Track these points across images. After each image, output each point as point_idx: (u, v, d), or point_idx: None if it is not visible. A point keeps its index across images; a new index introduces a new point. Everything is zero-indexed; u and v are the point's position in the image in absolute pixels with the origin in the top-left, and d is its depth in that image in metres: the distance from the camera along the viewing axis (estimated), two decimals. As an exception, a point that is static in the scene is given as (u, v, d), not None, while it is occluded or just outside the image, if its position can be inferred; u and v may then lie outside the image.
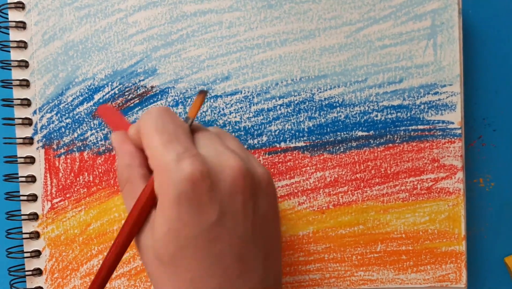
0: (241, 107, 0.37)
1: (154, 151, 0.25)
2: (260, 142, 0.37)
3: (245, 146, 0.37)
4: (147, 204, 0.25)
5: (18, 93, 0.37)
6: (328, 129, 0.37)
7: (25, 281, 0.38)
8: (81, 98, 0.37)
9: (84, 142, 0.37)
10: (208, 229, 0.24)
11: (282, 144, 0.37)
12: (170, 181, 0.23)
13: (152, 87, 0.37)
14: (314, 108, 0.37)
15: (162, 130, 0.25)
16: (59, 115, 0.37)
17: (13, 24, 0.37)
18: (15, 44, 0.37)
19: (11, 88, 0.37)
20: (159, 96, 0.37)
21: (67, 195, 0.37)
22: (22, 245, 0.38)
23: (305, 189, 0.37)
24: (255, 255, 0.25)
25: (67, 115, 0.37)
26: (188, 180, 0.23)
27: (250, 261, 0.25)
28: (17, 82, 0.37)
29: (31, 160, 0.37)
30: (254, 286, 0.25)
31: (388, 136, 0.37)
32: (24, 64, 0.37)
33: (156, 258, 0.24)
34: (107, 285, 0.37)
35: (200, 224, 0.24)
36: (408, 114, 0.37)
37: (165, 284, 0.24)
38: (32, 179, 0.37)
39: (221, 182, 0.24)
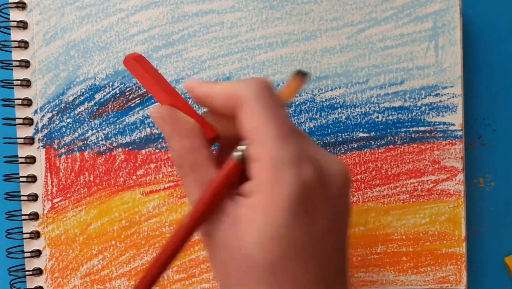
0: (242, 108, 0.37)
1: (266, 140, 0.21)
2: (261, 142, 0.37)
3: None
4: (222, 194, 0.22)
5: (19, 93, 0.37)
6: (329, 130, 0.37)
7: (25, 281, 0.38)
8: (82, 97, 0.37)
9: (85, 142, 0.37)
10: (318, 238, 0.21)
11: (283, 145, 0.37)
12: (285, 182, 0.21)
13: (153, 87, 0.37)
14: (315, 109, 0.37)
15: (277, 117, 0.21)
16: (60, 114, 0.37)
17: (15, 23, 0.37)
18: (16, 44, 0.37)
19: (12, 88, 0.37)
20: (160, 96, 0.37)
21: (68, 195, 0.37)
22: (23, 245, 0.38)
23: (305, 190, 0.37)
24: (346, 267, 0.24)
25: (68, 114, 0.37)
26: (307, 185, 0.21)
27: (346, 273, 0.23)
28: (18, 82, 0.37)
29: (31, 159, 0.37)
30: None
31: (389, 137, 0.37)
32: (25, 64, 0.37)
33: (242, 260, 0.21)
34: (107, 285, 0.37)
35: (311, 233, 0.21)
36: (409, 116, 0.37)
37: None
38: (32, 178, 0.37)
39: (331, 186, 0.22)
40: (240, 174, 0.22)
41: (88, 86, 0.37)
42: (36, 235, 0.37)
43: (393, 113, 0.37)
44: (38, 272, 0.37)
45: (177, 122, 0.23)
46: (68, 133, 0.37)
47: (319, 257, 0.22)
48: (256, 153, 0.21)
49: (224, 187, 0.22)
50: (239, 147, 0.22)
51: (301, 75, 0.24)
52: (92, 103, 0.37)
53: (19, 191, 0.37)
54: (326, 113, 0.37)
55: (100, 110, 0.37)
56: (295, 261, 0.21)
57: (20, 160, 0.37)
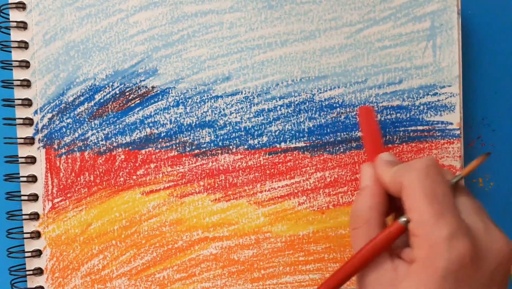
0: (241, 108, 0.37)
1: (422, 220, 0.24)
2: (260, 142, 0.37)
3: (246, 146, 0.37)
4: (383, 248, 0.26)
5: (19, 93, 0.37)
6: (328, 130, 0.37)
7: (26, 281, 0.38)
8: (82, 98, 0.37)
9: (85, 142, 0.37)
10: None
11: (283, 145, 0.37)
12: (439, 257, 0.23)
13: (153, 87, 0.37)
14: (314, 108, 0.37)
15: (432, 196, 0.24)
16: (60, 115, 0.37)
17: (14, 24, 0.37)
18: (16, 44, 0.37)
19: (12, 88, 0.37)
20: (160, 97, 0.37)
21: (68, 195, 0.38)
22: (23, 245, 0.38)
23: (305, 189, 0.37)
24: None
25: (68, 115, 0.37)
26: (459, 260, 0.23)
27: None
28: (18, 82, 0.37)
29: (32, 160, 0.37)
30: None
31: (387, 136, 0.37)
32: (25, 64, 0.37)
33: None
34: (108, 284, 0.38)
35: None
36: (408, 115, 0.37)
37: None
38: (33, 179, 0.37)
39: (485, 265, 0.24)
40: (399, 236, 0.26)
41: (88, 87, 0.37)
42: (36, 235, 0.38)
43: (391, 112, 0.37)
44: (38, 272, 0.38)
45: (374, 185, 0.28)
46: (68, 133, 0.37)
47: None
48: (414, 229, 0.25)
49: (386, 243, 0.26)
50: (404, 216, 0.26)
51: (486, 155, 0.27)
52: (92, 103, 0.37)
53: (20, 191, 0.37)
54: (325, 112, 0.37)
55: (100, 110, 0.37)
56: None
57: (21, 160, 0.37)
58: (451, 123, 0.37)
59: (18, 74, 0.37)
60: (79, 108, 0.37)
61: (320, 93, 0.37)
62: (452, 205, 0.25)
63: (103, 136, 0.37)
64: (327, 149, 0.37)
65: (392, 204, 0.28)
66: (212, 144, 0.37)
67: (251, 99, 0.37)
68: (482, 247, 0.24)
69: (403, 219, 0.26)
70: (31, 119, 0.37)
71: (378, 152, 0.30)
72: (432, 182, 0.25)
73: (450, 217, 0.24)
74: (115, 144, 0.37)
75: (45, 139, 0.37)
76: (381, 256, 0.26)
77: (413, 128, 0.37)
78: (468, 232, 0.24)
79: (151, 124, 0.37)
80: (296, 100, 0.37)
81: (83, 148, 0.37)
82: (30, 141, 0.37)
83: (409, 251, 0.26)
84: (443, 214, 0.24)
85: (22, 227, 0.38)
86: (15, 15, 0.37)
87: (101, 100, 0.37)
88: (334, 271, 0.27)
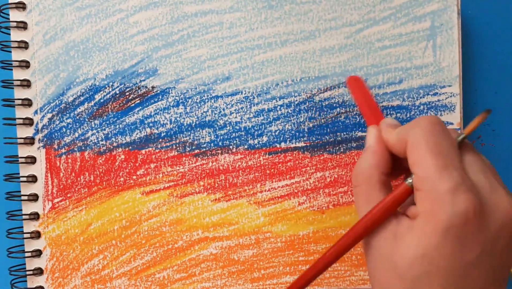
0: (241, 108, 0.37)
1: (426, 174, 0.24)
2: (260, 142, 0.37)
3: (246, 146, 0.37)
4: (388, 213, 0.26)
5: (19, 93, 0.37)
6: (328, 130, 0.37)
7: (26, 281, 0.38)
8: (82, 98, 0.37)
9: (85, 142, 0.37)
10: (463, 267, 0.23)
11: (282, 144, 0.37)
12: (441, 210, 0.23)
13: (153, 87, 0.37)
14: (314, 108, 0.37)
15: (436, 150, 0.24)
16: (60, 115, 0.37)
17: (14, 24, 0.37)
18: (16, 44, 0.37)
19: (12, 88, 0.37)
20: (160, 97, 0.37)
21: (68, 195, 0.38)
22: (23, 245, 0.38)
23: (305, 189, 0.37)
24: None
25: (68, 115, 0.37)
26: (461, 215, 0.23)
27: None
28: (18, 82, 0.37)
29: (32, 160, 0.37)
30: None
31: (387, 136, 0.37)
32: (25, 64, 0.37)
33: (393, 270, 0.25)
34: (108, 284, 0.38)
35: (457, 260, 0.23)
36: (408, 115, 0.37)
37: None
38: (33, 179, 0.37)
39: (490, 223, 0.23)
40: (407, 198, 0.26)
41: (88, 87, 0.37)
42: (36, 235, 0.38)
43: (391, 112, 0.37)
44: (38, 272, 0.38)
45: (377, 144, 0.28)
46: (68, 133, 0.37)
47: (457, 284, 0.24)
48: (418, 184, 0.24)
49: (393, 206, 0.26)
50: (410, 177, 0.26)
51: (486, 112, 0.27)
52: (92, 103, 0.37)
53: (20, 191, 0.37)
54: (325, 112, 0.37)
55: (100, 110, 0.37)
56: (437, 282, 0.24)
57: (21, 160, 0.37)
58: (452, 123, 0.37)
59: (18, 74, 0.37)
60: (79, 108, 0.37)
61: (320, 93, 0.37)
62: (456, 160, 0.24)
63: (103, 136, 0.37)
64: (327, 149, 0.37)
65: (401, 167, 0.28)
66: (212, 144, 0.37)
67: (251, 99, 0.37)
68: (487, 205, 0.24)
69: (409, 180, 0.25)
70: (31, 119, 0.37)
71: (377, 117, 0.29)
72: (437, 137, 0.25)
73: (454, 171, 0.24)
74: (115, 144, 0.37)
75: (45, 139, 0.37)
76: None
77: (413, 128, 0.37)
78: (472, 188, 0.23)
79: (151, 124, 0.37)
80: (296, 100, 0.37)
81: (83, 148, 0.37)
82: (30, 141, 0.37)
83: (413, 208, 0.25)
84: (447, 167, 0.24)
85: (22, 227, 0.38)
86: (15, 15, 0.37)
87: (101, 100, 0.37)
88: (343, 234, 0.27)
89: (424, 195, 0.24)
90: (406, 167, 0.26)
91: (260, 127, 0.37)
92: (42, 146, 0.37)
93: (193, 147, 0.37)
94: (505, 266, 0.25)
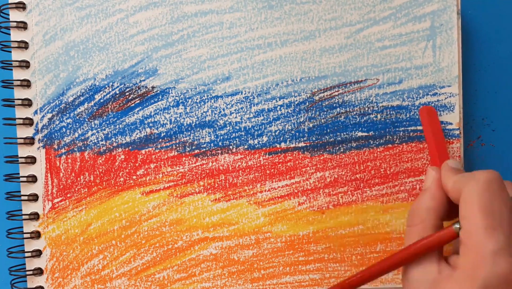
0: (241, 108, 0.37)
1: (473, 231, 0.25)
2: (260, 142, 0.37)
3: (246, 146, 0.37)
4: (432, 249, 0.27)
5: (19, 93, 0.37)
6: (328, 130, 0.37)
7: (26, 281, 0.38)
8: (82, 98, 0.37)
9: (85, 142, 0.37)
10: None
11: (282, 145, 0.37)
12: (482, 269, 0.24)
13: (152, 87, 0.37)
14: (314, 108, 0.37)
15: (487, 210, 0.25)
16: (60, 115, 0.37)
17: (14, 24, 0.37)
18: (16, 44, 0.37)
19: (12, 88, 0.37)
20: (160, 97, 0.37)
21: (68, 195, 0.38)
22: (23, 245, 0.38)
23: (305, 189, 0.37)
24: None
25: (68, 115, 0.37)
26: (500, 277, 0.24)
27: None
28: (18, 82, 0.37)
29: (32, 160, 0.37)
30: None
31: (387, 136, 0.37)
32: (25, 64, 0.37)
33: None
34: (108, 284, 0.38)
35: None
36: (408, 115, 0.37)
37: None
38: (33, 179, 0.37)
39: None
40: (450, 241, 0.27)
41: (88, 87, 0.37)
42: (36, 235, 0.38)
43: (391, 112, 0.37)
44: (38, 272, 0.38)
45: (437, 188, 0.29)
46: (68, 133, 0.37)
47: None
48: (464, 237, 0.25)
49: (436, 244, 0.27)
50: (458, 222, 0.26)
51: None
52: (92, 103, 0.37)
53: (20, 191, 0.37)
54: (325, 112, 0.37)
55: (100, 110, 0.37)
56: None
57: (20, 160, 0.37)
58: (451, 123, 0.37)
59: (18, 74, 0.37)
60: (79, 108, 0.37)
61: (320, 93, 0.37)
62: (506, 222, 0.25)
63: (103, 136, 0.37)
64: (327, 149, 0.37)
65: (456, 211, 0.29)
66: (212, 144, 0.37)
67: (251, 99, 0.37)
68: None
69: (456, 226, 0.26)
70: (31, 119, 0.37)
71: (442, 156, 0.31)
72: (491, 196, 0.25)
73: (501, 234, 0.24)
74: (115, 144, 0.37)
75: (45, 139, 0.37)
76: (429, 257, 0.27)
77: (413, 128, 0.37)
78: None
79: (151, 124, 0.37)
80: (296, 100, 0.37)
81: (83, 148, 0.37)
82: (30, 141, 0.37)
83: (456, 258, 0.26)
84: (494, 229, 0.24)
85: (22, 227, 0.38)
86: (15, 15, 0.37)
87: (101, 100, 0.37)
88: (379, 260, 0.29)
89: (468, 250, 0.25)
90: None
91: (260, 127, 0.37)
92: (42, 146, 0.37)
93: (193, 147, 0.37)
94: None
